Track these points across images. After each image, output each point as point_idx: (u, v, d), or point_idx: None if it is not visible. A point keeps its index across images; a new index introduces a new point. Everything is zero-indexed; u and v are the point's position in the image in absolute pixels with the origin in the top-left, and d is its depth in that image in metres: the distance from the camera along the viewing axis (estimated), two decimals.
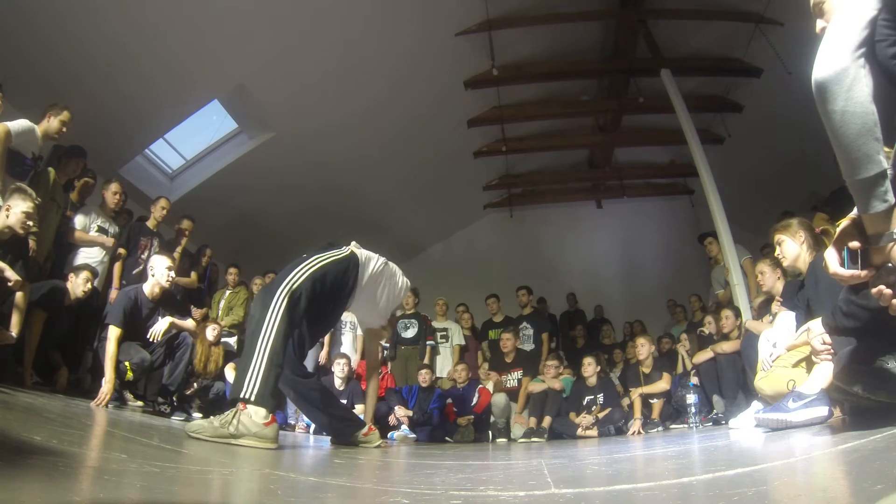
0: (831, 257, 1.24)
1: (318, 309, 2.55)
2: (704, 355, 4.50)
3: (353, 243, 2.83)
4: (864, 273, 1.16)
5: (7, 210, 3.07)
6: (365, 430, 2.73)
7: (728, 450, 1.93)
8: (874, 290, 1.14)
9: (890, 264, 1.10)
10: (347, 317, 5.77)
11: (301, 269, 2.47)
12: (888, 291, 1.11)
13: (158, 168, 6.69)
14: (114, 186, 4.56)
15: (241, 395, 2.09)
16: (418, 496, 1.07)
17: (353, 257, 2.72)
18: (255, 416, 2.04)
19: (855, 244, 1.17)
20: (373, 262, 2.82)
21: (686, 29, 6.71)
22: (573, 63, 7.38)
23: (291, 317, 2.31)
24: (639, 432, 4.37)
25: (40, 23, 4.31)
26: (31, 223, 3.12)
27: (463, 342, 6.14)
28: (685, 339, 5.57)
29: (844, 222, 1.23)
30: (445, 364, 5.99)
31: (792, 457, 1.40)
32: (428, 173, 7.99)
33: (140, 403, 3.67)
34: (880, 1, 1.06)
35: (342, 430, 2.78)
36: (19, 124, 3.51)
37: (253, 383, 2.10)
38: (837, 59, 1.05)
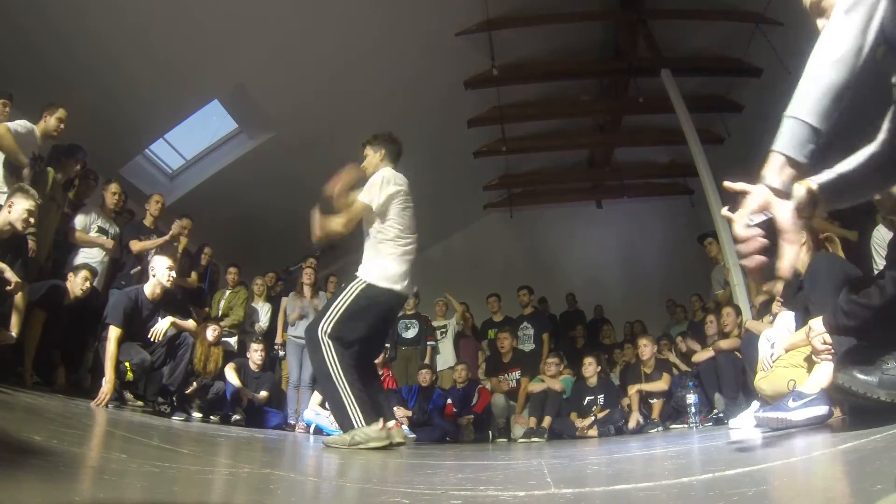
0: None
1: (372, 329, 2.72)
2: (705, 354, 4.50)
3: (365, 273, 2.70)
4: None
5: (9, 207, 3.10)
6: (392, 423, 2.70)
7: (728, 450, 1.93)
8: (750, 235, 1.03)
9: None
10: None
11: (333, 309, 2.60)
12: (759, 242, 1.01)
13: (158, 168, 6.69)
14: (113, 187, 4.55)
15: (357, 426, 2.42)
16: (418, 496, 1.07)
17: (371, 289, 2.64)
18: (375, 426, 2.43)
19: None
20: (393, 267, 2.71)
21: (686, 29, 6.72)
22: (573, 63, 7.39)
23: (346, 345, 2.56)
24: (637, 422, 4.37)
25: (40, 21, 4.31)
26: (32, 221, 3.15)
27: (458, 330, 6.17)
28: (680, 342, 5.54)
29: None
30: (447, 359, 6.00)
31: (792, 457, 1.40)
32: (428, 173, 7.98)
33: (140, 403, 3.67)
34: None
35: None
36: (18, 125, 3.53)
37: (357, 415, 2.43)
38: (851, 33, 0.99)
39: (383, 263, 2.72)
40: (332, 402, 2.53)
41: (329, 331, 2.55)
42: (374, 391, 2.84)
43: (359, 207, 2.72)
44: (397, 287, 2.71)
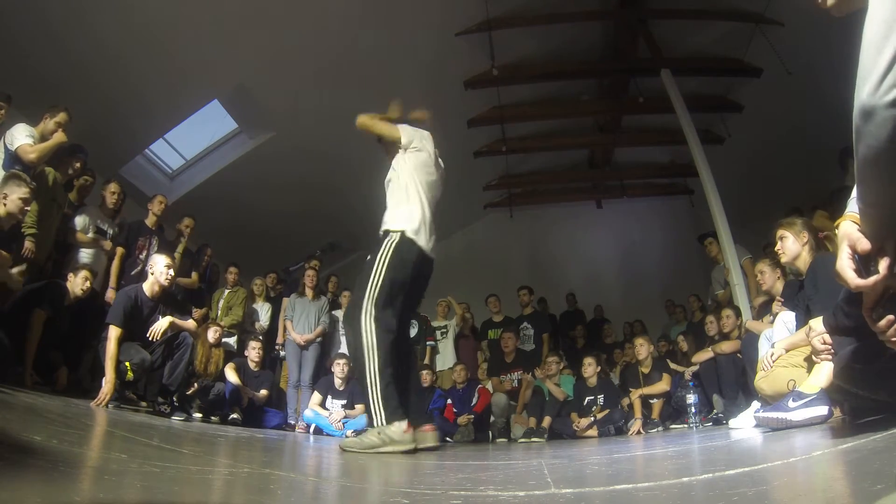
0: (846, 268, 1.09)
1: (410, 293, 2.62)
2: (704, 355, 4.50)
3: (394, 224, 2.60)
4: (886, 273, 1.03)
5: (4, 198, 3.12)
6: (427, 427, 2.62)
7: (728, 450, 1.93)
8: (883, 323, 1.06)
9: None
10: None
11: (371, 284, 2.46)
12: None
13: (158, 168, 6.70)
14: (112, 186, 4.56)
15: (376, 424, 2.26)
16: (418, 496, 1.07)
17: (403, 244, 2.56)
18: (395, 427, 2.22)
19: (866, 246, 1.05)
20: (419, 219, 2.63)
21: (686, 29, 6.71)
22: (573, 63, 7.38)
23: (389, 328, 2.41)
24: (639, 432, 4.37)
25: (39, 22, 4.31)
26: (27, 208, 3.18)
27: (457, 332, 6.18)
28: (682, 341, 5.54)
29: (846, 224, 1.12)
30: (446, 359, 6.00)
31: (792, 457, 1.40)
32: None
33: (144, 403, 3.66)
34: None
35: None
36: (18, 129, 3.55)
37: (380, 409, 2.27)
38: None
39: (417, 211, 2.61)
40: (362, 389, 2.40)
41: (373, 310, 2.38)
42: (407, 389, 2.69)
43: (391, 130, 2.81)
44: (426, 245, 2.58)
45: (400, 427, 2.21)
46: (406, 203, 2.65)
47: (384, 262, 2.50)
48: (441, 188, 2.86)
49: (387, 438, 2.19)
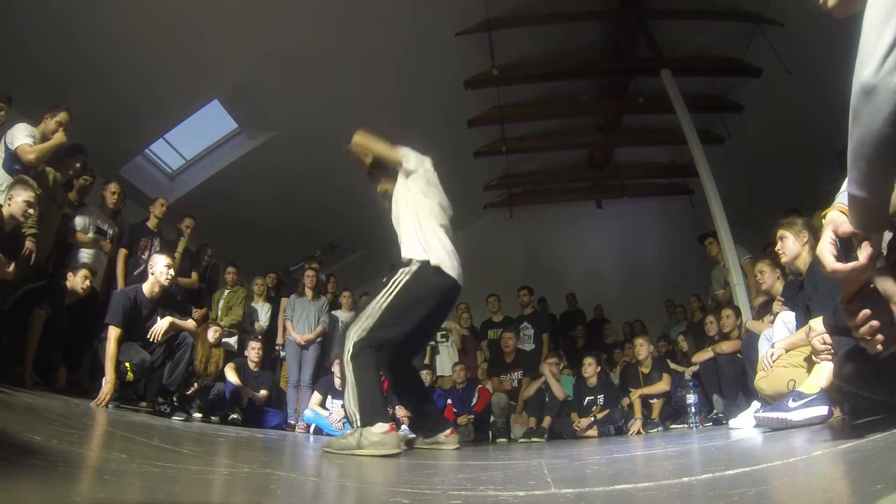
0: (825, 251, 1.09)
1: (429, 319, 2.59)
2: (704, 355, 4.50)
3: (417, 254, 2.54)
4: (865, 262, 1.02)
5: (9, 200, 3.17)
6: (447, 431, 2.68)
7: (728, 450, 1.93)
8: (861, 315, 1.05)
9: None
10: (347, 317, 5.77)
11: (374, 306, 2.42)
12: (876, 323, 1.03)
13: (158, 168, 6.70)
14: (112, 186, 4.56)
15: (356, 426, 2.27)
16: (418, 496, 1.07)
17: (425, 272, 2.50)
18: (374, 429, 2.19)
19: (847, 229, 1.05)
20: (443, 248, 2.58)
21: (686, 29, 6.71)
22: (573, 63, 7.38)
23: (370, 355, 2.36)
24: (639, 432, 4.37)
25: (40, 22, 4.31)
26: (31, 211, 3.22)
27: (460, 338, 6.16)
28: (682, 341, 5.54)
29: (833, 213, 1.11)
30: (446, 363, 5.99)
31: (792, 457, 1.40)
32: None
33: (143, 403, 3.66)
34: None
35: (427, 426, 2.79)
36: (18, 129, 3.56)
37: (356, 412, 2.27)
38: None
39: (435, 240, 2.55)
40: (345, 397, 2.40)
41: (364, 333, 2.35)
42: (414, 399, 2.82)
43: (393, 152, 2.72)
44: (454, 273, 2.54)
45: (380, 429, 2.17)
46: (421, 232, 2.58)
47: (397, 286, 2.46)
48: (450, 210, 2.81)
49: (365, 441, 2.15)
